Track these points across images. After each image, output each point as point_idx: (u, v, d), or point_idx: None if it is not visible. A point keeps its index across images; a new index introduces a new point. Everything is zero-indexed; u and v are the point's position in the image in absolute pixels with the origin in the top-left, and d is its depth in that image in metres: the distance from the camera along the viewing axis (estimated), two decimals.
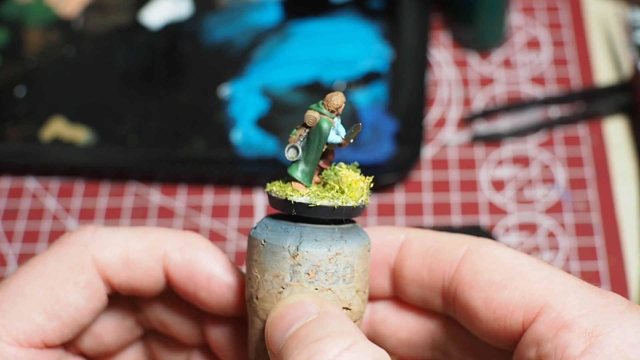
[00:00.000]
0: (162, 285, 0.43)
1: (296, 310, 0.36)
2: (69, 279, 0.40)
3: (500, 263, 0.38)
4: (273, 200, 0.39)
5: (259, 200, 0.71)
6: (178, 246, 0.42)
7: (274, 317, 0.37)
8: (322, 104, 0.38)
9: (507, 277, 0.38)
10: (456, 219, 0.69)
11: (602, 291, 0.36)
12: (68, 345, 0.43)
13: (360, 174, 0.40)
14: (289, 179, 0.39)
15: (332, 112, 0.38)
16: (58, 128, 0.76)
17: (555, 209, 0.69)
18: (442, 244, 0.40)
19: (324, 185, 0.39)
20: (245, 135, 0.74)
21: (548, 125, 0.73)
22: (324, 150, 0.39)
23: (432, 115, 0.75)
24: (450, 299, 0.40)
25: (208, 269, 0.42)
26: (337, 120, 0.39)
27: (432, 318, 0.43)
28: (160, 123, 0.75)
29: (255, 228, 0.39)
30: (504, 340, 0.38)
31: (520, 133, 0.73)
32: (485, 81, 0.77)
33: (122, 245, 0.42)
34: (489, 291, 0.38)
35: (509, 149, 0.73)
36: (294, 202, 0.38)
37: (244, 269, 0.41)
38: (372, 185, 0.40)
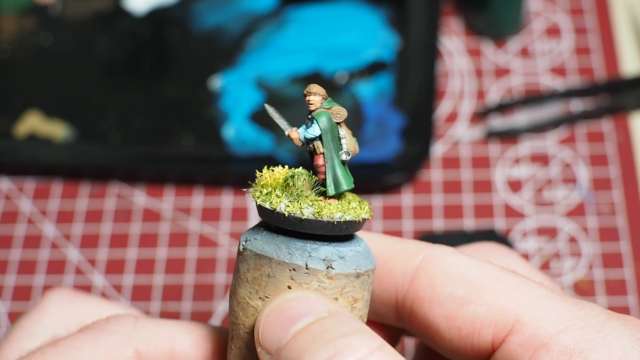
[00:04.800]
0: None
1: (302, 305, 0.35)
2: None
3: (461, 275, 0.38)
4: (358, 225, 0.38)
5: (253, 202, 0.71)
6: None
7: (271, 310, 0.36)
8: (323, 97, 0.38)
9: (470, 291, 0.37)
10: (469, 223, 0.68)
11: (578, 301, 0.36)
12: None
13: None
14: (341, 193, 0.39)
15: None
16: (33, 123, 0.75)
17: (577, 212, 0.69)
18: (393, 253, 0.40)
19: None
20: (238, 131, 0.73)
21: (569, 120, 0.73)
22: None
23: (443, 109, 0.75)
24: (405, 315, 0.40)
25: None
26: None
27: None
28: (145, 118, 0.75)
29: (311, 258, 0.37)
30: (470, 358, 0.38)
31: (539, 129, 0.73)
32: (501, 72, 0.77)
33: (168, 340, 0.41)
34: (451, 307, 0.37)
35: (526, 146, 0.72)
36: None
37: None
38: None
